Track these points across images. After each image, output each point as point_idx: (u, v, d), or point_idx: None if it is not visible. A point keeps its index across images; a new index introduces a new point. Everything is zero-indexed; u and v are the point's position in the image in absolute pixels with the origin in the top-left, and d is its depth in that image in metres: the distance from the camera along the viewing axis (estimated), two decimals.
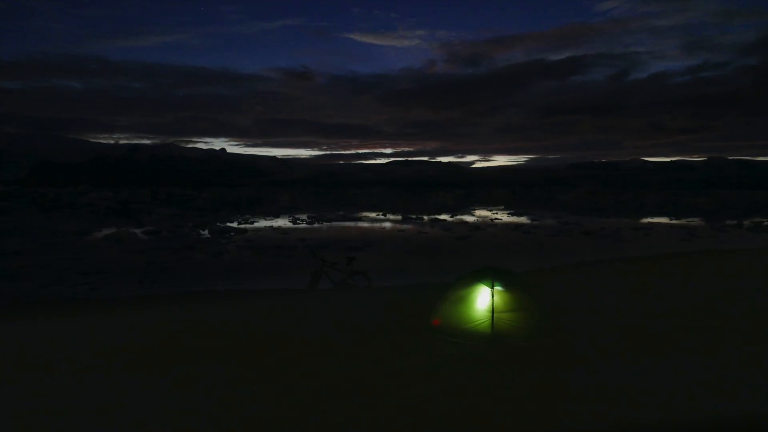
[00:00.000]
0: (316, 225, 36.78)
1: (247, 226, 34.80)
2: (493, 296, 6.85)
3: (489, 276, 7.10)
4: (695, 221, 40.63)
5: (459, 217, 45.33)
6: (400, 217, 44.16)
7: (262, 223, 37.16)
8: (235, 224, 35.47)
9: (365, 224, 37.95)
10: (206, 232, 30.16)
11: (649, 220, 42.86)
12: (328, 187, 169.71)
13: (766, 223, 36.77)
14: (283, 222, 38.88)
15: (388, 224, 37.63)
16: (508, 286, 6.99)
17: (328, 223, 38.01)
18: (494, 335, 6.68)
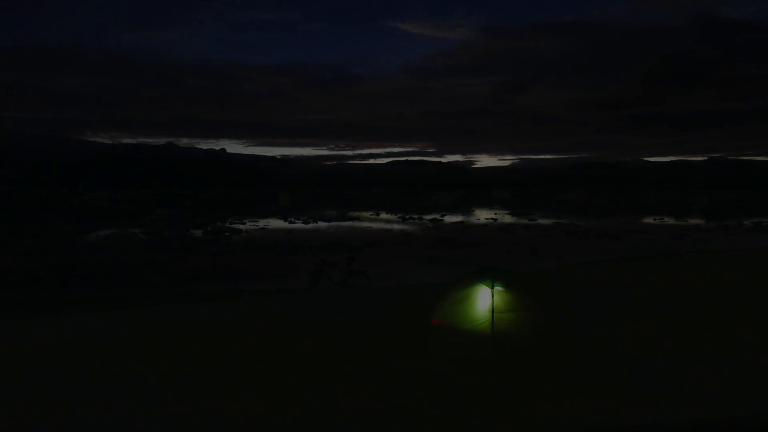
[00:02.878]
0: (315, 225, 36.77)
1: (247, 226, 34.78)
2: (493, 296, 6.84)
3: (489, 276, 7.08)
4: (695, 221, 40.63)
5: (459, 217, 45.34)
6: (399, 217, 44.20)
7: (262, 223, 37.14)
8: (234, 224, 35.44)
9: (365, 224, 37.94)
10: (206, 232, 30.13)
11: (649, 220, 42.84)
12: (328, 188, 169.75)
13: (766, 223, 36.78)
14: (282, 222, 38.87)
15: (387, 224, 37.61)
16: (508, 286, 6.98)
17: (327, 223, 38.00)
18: (494, 335, 6.67)
